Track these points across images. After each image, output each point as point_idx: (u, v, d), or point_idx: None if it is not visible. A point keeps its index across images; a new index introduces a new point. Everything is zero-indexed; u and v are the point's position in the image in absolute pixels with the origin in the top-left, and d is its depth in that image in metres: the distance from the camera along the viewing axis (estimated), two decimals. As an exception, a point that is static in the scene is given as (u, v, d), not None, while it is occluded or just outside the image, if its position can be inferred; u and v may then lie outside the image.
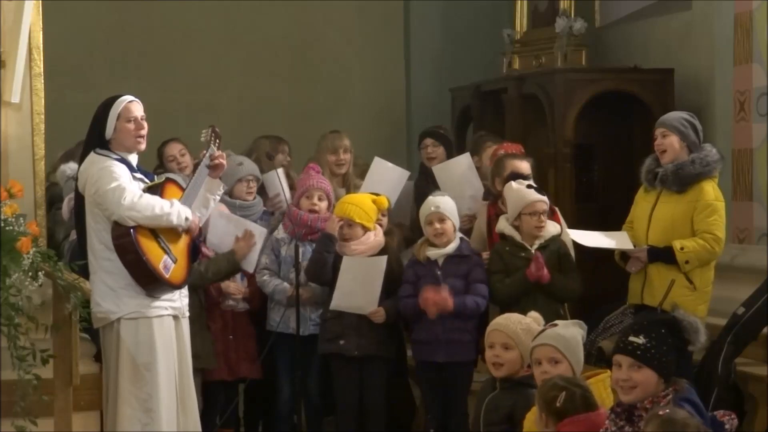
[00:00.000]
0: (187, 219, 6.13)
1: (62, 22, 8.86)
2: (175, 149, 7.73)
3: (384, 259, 6.81)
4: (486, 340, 5.59)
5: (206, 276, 6.83)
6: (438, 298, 6.61)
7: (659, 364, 4.51)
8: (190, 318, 6.37)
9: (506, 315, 5.72)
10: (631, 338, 4.55)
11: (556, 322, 5.41)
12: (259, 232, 7.05)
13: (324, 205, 7.14)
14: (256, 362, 7.10)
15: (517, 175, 6.82)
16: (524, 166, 7.03)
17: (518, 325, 5.54)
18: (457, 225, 6.86)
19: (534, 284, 6.63)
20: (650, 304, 6.62)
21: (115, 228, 5.99)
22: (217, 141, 6.36)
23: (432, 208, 6.78)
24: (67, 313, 5.72)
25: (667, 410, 4.30)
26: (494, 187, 7.09)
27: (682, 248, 6.55)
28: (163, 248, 6.05)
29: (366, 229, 6.90)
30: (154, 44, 10.10)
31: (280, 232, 7.15)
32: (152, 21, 10.09)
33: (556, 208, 7.21)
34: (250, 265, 7.03)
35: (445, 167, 7.67)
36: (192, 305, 6.43)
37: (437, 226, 6.77)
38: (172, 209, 6.07)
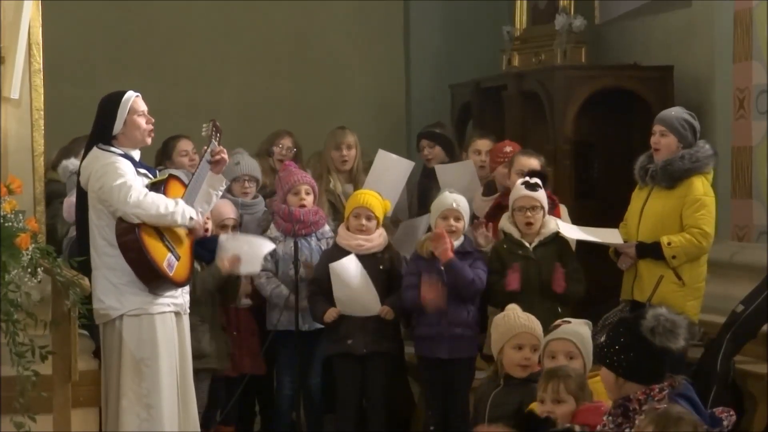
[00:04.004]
0: (191, 219, 6.14)
1: (62, 19, 8.85)
2: (188, 145, 7.77)
3: (353, 256, 6.80)
4: (512, 340, 5.61)
5: (195, 294, 6.61)
6: (434, 293, 6.60)
7: (610, 363, 4.57)
8: (204, 319, 6.37)
9: (530, 317, 5.73)
10: (601, 336, 4.65)
11: (568, 319, 5.57)
12: (267, 244, 6.90)
13: (310, 199, 7.15)
14: (260, 358, 7.10)
15: (534, 173, 6.82)
16: (532, 162, 7.04)
17: (540, 329, 5.64)
18: (466, 227, 6.87)
19: (534, 288, 6.63)
20: (639, 299, 6.65)
21: (119, 226, 5.99)
22: (218, 135, 6.36)
23: (453, 204, 6.78)
24: (66, 309, 5.71)
25: (664, 406, 4.33)
26: (508, 180, 7.08)
27: (669, 243, 6.59)
28: (167, 246, 6.05)
29: (377, 225, 6.92)
30: (155, 41, 10.10)
31: (273, 231, 7.13)
32: (152, 18, 10.08)
33: (563, 206, 7.22)
34: (254, 266, 6.83)
35: (446, 169, 7.67)
36: (206, 306, 6.43)
37: (452, 223, 6.77)
38: (177, 209, 6.06)
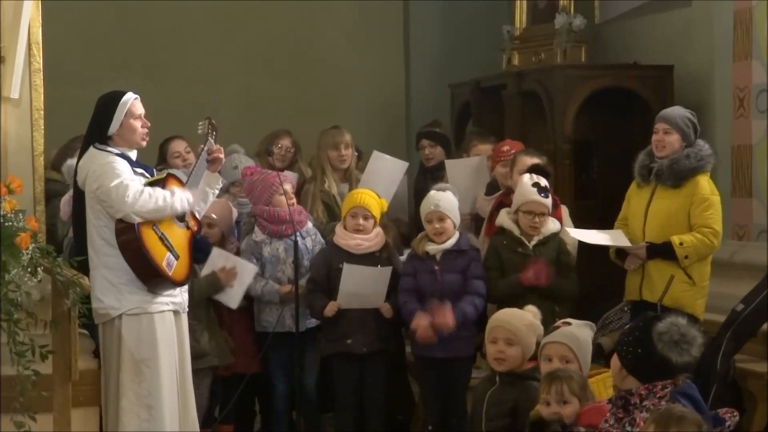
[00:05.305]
0: (189, 202, 6.13)
1: (62, 19, 8.86)
2: (180, 146, 7.79)
3: (389, 269, 6.81)
4: (488, 335, 5.62)
5: (192, 299, 6.60)
6: (438, 321, 6.59)
7: (620, 351, 4.62)
8: (200, 319, 6.37)
9: (508, 311, 5.73)
10: (600, 336, 4.70)
11: (569, 320, 5.50)
12: (250, 269, 6.95)
13: (294, 198, 7.16)
14: (256, 357, 7.09)
15: (538, 169, 6.80)
16: (535, 162, 7.03)
17: (521, 322, 5.60)
18: (458, 222, 6.85)
19: (528, 287, 6.62)
20: (649, 299, 6.62)
21: (118, 225, 5.98)
22: (214, 133, 6.35)
23: (432, 207, 6.76)
24: (66, 308, 5.70)
25: (666, 405, 4.34)
26: (510, 180, 7.08)
27: (681, 243, 6.56)
28: (165, 245, 6.03)
29: (374, 224, 6.93)
30: (154, 41, 10.11)
31: (258, 235, 7.12)
32: (152, 18, 10.10)
33: (564, 207, 7.21)
34: (233, 301, 6.93)
35: (457, 164, 7.67)
36: (200, 307, 6.43)
37: (436, 225, 6.76)
38: (174, 197, 6.06)
